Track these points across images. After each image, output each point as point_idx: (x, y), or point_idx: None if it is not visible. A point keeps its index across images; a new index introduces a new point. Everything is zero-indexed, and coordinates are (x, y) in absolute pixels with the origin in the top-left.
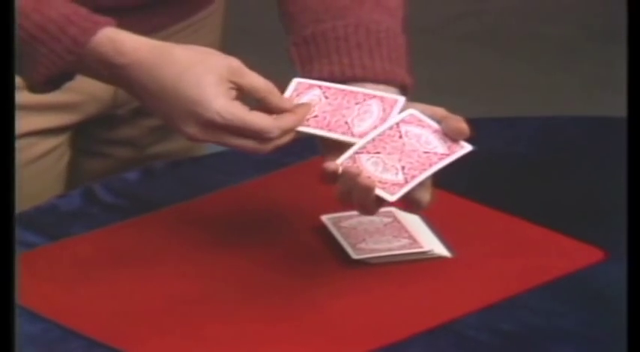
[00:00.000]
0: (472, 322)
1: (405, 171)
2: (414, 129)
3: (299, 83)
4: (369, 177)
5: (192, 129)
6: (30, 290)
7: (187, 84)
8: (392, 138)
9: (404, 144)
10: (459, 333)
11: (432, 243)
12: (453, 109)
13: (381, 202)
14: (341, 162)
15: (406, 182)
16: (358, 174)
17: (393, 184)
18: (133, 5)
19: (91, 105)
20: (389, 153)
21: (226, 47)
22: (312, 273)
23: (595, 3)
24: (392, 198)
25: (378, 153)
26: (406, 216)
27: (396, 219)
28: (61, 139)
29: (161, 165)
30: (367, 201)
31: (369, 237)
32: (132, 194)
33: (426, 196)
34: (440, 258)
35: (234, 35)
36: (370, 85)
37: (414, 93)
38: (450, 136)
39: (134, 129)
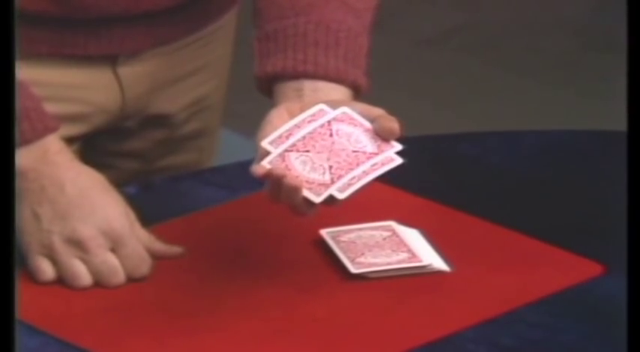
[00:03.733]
0: (471, 336)
1: (332, 170)
2: (345, 128)
3: (320, 110)
4: (297, 177)
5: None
6: (28, 304)
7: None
8: (322, 136)
9: (333, 143)
10: (457, 347)
11: (430, 257)
12: (451, 122)
13: (310, 202)
14: (269, 160)
15: (332, 182)
16: (284, 176)
17: (320, 184)
18: (139, 15)
19: (98, 116)
20: (318, 152)
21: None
22: (310, 287)
23: (594, 15)
24: (317, 200)
25: (308, 151)
26: (405, 230)
27: (394, 233)
28: None
29: (160, 179)
30: (295, 202)
31: (368, 251)
32: (130, 208)
33: None
34: (439, 272)
35: (242, 47)
36: (322, 82)
37: (413, 105)
38: (381, 136)
39: (142, 142)
